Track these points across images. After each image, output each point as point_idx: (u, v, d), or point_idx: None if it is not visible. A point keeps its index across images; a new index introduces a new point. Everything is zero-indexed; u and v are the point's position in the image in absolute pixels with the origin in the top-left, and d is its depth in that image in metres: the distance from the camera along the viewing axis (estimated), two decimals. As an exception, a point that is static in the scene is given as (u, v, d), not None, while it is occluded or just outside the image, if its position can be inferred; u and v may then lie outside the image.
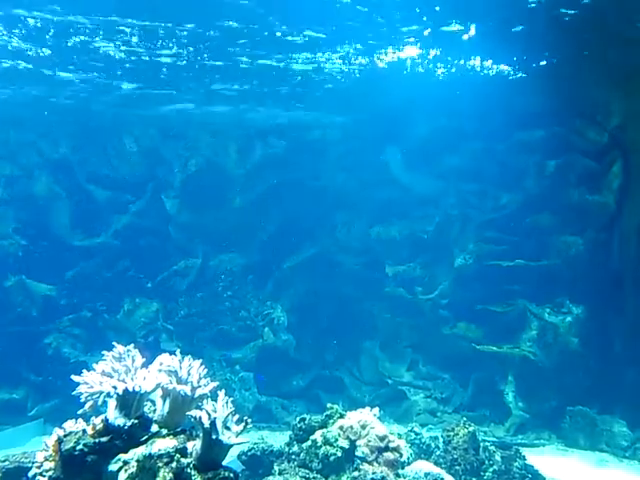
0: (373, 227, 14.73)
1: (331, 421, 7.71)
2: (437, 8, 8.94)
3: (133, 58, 11.26)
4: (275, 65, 11.61)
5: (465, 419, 9.39)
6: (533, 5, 8.96)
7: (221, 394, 4.71)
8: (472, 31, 9.93)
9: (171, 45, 10.65)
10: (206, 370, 4.93)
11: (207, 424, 4.51)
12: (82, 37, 10.24)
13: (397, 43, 10.61)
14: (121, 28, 9.86)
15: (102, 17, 9.45)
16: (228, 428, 4.63)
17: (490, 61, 11.49)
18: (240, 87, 12.99)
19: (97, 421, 4.49)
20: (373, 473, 6.51)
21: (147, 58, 11.23)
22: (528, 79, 12.14)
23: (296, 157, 14.63)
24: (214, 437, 4.52)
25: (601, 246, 13.16)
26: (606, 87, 12.37)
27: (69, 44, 10.51)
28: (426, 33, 9.94)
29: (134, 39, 10.32)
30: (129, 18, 9.51)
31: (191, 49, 10.82)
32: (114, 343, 4.66)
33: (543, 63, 11.47)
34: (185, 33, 10.13)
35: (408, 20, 9.56)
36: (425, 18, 9.36)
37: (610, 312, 12.79)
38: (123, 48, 10.72)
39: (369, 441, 7.16)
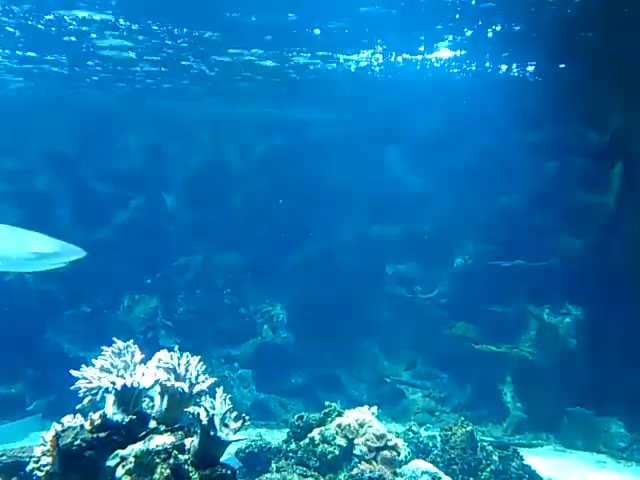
0: (373, 226, 14.73)
1: (329, 419, 7.73)
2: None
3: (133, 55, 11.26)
4: (284, 62, 11.60)
5: (463, 418, 9.41)
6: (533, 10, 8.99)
7: (219, 391, 4.71)
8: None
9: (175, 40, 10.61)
10: (204, 367, 4.93)
11: (205, 421, 4.51)
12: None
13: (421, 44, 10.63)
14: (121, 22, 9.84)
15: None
16: (226, 425, 4.63)
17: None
18: (242, 83, 12.99)
19: (95, 416, 4.48)
20: (370, 472, 6.52)
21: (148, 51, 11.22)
22: (530, 80, 12.15)
23: (297, 155, 14.62)
24: (212, 434, 4.52)
25: (601, 247, 13.15)
26: (607, 88, 12.37)
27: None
28: (468, 33, 9.90)
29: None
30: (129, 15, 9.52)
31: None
32: (114, 339, 4.66)
33: (562, 66, 11.47)
34: (186, 30, 10.11)
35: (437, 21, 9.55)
36: (458, 16, 9.30)
37: (609, 313, 12.78)
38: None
39: (367, 439, 7.17)
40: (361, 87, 13.07)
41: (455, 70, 11.90)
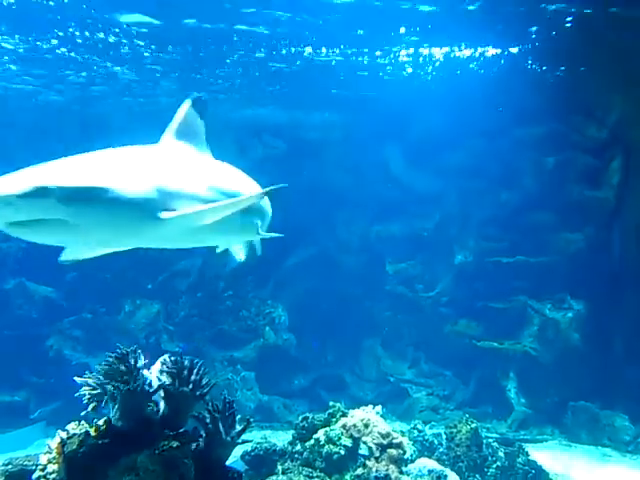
0: (373, 225, 14.73)
1: (334, 419, 7.71)
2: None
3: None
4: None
5: (467, 416, 9.38)
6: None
7: (224, 394, 4.70)
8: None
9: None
10: (207, 370, 4.92)
11: (210, 424, 4.50)
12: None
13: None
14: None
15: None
16: (231, 428, 4.62)
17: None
18: (241, 83, 12.99)
19: (100, 423, 4.47)
20: (377, 471, 6.51)
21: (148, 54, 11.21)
22: (529, 75, 12.15)
23: (296, 156, 14.60)
24: (217, 437, 4.52)
25: (601, 242, 13.16)
26: (605, 83, 12.37)
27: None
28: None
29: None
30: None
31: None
32: (117, 344, 4.65)
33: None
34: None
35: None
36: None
37: (611, 307, 12.79)
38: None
39: (372, 439, 7.16)
40: (373, 85, 13.04)
41: (472, 64, 11.86)
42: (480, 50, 11.04)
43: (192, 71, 12.36)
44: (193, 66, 12.08)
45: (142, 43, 10.73)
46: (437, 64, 11.70)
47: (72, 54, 11.18)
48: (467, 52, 11.12)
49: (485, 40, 10.70)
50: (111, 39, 10.45)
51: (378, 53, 11.24)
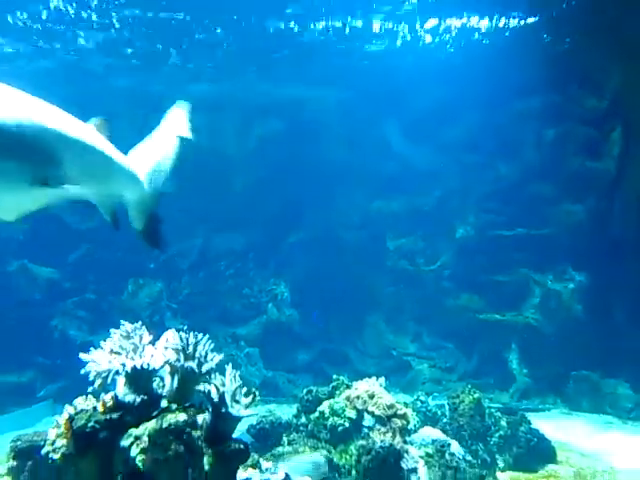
0: (374, 201, 14.70)
1: (338, 392, 7.82)
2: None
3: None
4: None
5: (470, 386, 9.47)
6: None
7: (229, 368, 4.75)
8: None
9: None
10: (213, 345, 4.95)
11: (216, 398, 4.55)
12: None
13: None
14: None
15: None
16: (237, 401, 4.67)
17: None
18: (237, 64, 12.86)
19: (107, 398, 4.52)
20: (381, 441, 6.58)
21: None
22: (532, 47, 11.99)
23: (296, 133, 14.50)
24: (223, 410, 4.57)
25: (602, 213, 13.14)
26: (604, 53, 12.24)
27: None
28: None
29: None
30: None
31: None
32: (122, 321, 4.67)
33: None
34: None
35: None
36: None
37: (612, 278, 12.81)
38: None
39: (376, 410, 7.24)
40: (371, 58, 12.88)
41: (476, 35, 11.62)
42: (503, 21, 10.77)
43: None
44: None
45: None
46: (448, 36, 11.47)
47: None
48: (484, 22, 10.86)
49: (512, 7, 10.40)
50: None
51: (389, 24, 11.02)
